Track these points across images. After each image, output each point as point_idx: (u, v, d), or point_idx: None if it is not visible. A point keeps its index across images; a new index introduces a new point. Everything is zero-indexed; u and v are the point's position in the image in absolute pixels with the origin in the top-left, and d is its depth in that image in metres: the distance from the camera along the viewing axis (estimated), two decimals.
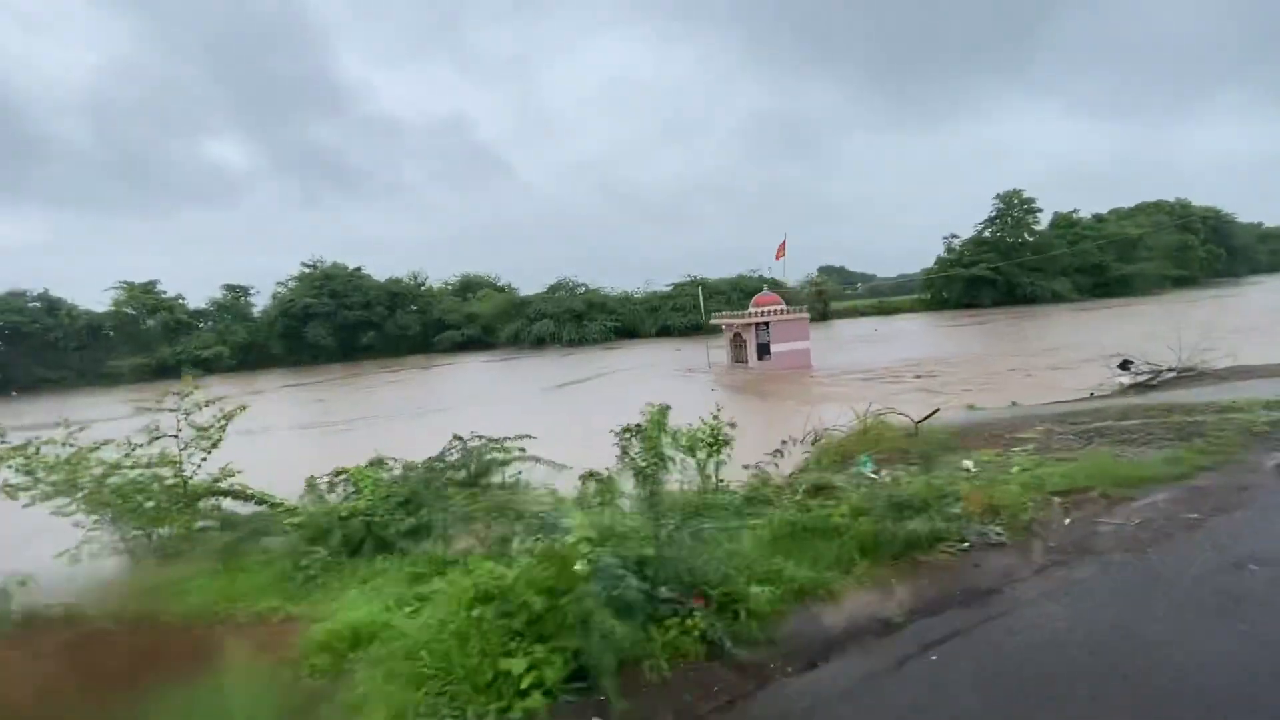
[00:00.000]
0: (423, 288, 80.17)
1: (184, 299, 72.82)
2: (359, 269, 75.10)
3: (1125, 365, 16.59)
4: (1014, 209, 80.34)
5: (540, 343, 67.55)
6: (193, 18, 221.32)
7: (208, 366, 66.54)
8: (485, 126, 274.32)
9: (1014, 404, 15.21)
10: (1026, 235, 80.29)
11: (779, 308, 35.58)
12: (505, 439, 7.58)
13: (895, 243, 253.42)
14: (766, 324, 34.49)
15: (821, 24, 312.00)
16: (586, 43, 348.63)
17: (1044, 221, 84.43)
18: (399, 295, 74.51)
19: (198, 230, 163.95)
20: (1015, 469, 6.95)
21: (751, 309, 35.80)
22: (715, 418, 8.05)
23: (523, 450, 7.49)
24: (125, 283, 68.90)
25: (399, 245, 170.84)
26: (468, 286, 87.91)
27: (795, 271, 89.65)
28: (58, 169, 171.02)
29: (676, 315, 71.74)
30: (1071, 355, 30.02)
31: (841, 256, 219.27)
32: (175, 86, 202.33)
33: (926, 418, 11.34)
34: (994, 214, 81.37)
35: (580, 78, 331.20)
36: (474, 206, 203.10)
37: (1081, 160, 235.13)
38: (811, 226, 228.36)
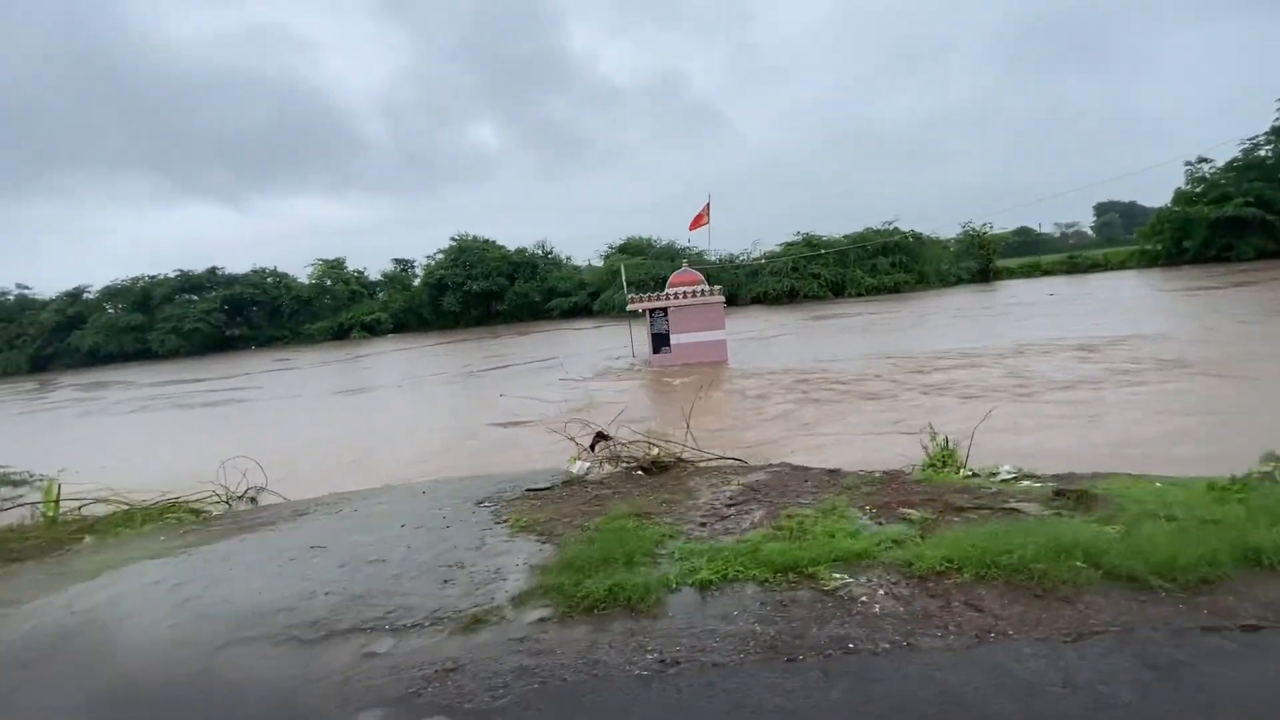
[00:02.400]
0: (549, 256, 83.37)
1: (364, 272, 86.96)
2: (490, 241, 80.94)
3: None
4: None
5: (622, 310, 65.74)
6: (450, 21, 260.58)
7: (371, 330, 78.87)
8: (699, 81, 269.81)
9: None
10: None
11: (696, 289, 29.28)
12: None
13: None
14: (665, 310, 28.71)
15: None
16: None
17: None
18: (519, 265, 78.71)
19: (462, 207, 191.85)
20: None
21: (668, 290, 30.07)
22: None
23: None
24: (320, 260, 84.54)
25: (623, 208, 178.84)
26: (626, 250, 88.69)
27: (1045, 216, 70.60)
28: (369, 163, 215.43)
29: (773, 280, 63.76)
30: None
31: (1132, 190, 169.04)
32: (442, 82, 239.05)
33: None
34: (1279, 124, 54.86)
35: (797, 14, 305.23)
36: (693, 163, 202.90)
37: None
38: (1102, 152, 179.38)
